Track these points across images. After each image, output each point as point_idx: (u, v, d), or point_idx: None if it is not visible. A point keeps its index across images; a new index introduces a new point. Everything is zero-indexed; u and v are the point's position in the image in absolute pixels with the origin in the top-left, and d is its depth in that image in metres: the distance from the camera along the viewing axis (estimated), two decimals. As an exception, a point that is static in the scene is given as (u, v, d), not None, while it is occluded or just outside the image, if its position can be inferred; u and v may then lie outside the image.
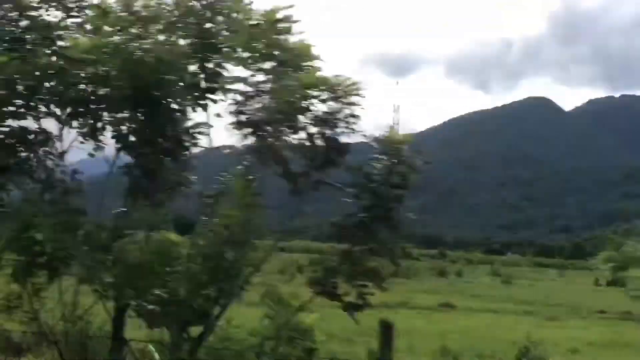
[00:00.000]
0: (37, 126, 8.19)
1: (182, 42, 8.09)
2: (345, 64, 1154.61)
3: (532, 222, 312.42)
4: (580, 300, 55.00)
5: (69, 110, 8.18)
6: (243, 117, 7.99)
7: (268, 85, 7.95)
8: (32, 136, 8.16)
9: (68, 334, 8.42)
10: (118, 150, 8.17)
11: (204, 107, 8.22)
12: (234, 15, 8.01)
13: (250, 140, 8.01)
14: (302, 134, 7.93)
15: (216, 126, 8.26)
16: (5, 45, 7.78)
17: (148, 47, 7.79)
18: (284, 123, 7.84)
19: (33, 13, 8.01)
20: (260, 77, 8.02)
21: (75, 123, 8.22)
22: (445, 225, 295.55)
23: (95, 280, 7.64)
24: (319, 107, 7.82)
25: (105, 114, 8.16)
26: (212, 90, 8.16)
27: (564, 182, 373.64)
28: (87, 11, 8.19)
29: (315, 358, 8.60)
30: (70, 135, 8.27)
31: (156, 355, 8.51)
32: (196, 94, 8.14)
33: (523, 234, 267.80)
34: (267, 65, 8.00)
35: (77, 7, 8.20)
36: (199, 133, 8.30)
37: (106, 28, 8.05)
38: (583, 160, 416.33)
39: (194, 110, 8.25)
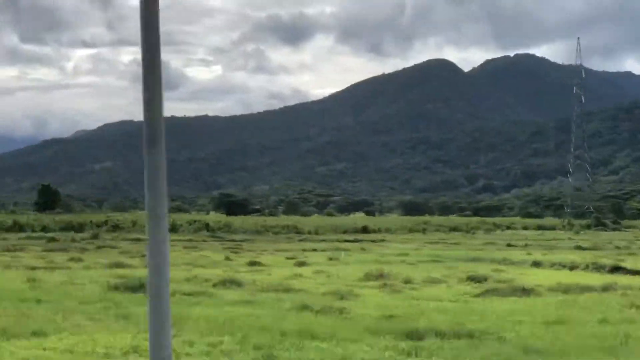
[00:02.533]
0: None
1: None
2: (238, 29, 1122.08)
3: (451, 184, 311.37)
4: None
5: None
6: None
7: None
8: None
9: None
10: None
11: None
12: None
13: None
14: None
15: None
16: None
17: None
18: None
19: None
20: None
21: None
22: (369, 191, 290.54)
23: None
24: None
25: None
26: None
27: (474, 142, 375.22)
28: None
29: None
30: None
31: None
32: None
33: (449, 195, 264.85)
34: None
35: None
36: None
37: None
38: (487, 120, 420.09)
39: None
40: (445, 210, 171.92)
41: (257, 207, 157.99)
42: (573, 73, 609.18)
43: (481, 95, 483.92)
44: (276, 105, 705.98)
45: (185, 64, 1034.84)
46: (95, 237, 62.07)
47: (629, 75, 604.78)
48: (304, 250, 50.63)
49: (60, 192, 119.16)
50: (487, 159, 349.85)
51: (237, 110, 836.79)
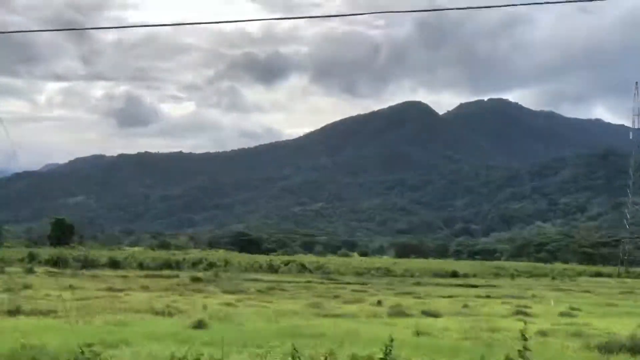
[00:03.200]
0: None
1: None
2: (213, 66, 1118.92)
3: (429, 226, 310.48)
4: None
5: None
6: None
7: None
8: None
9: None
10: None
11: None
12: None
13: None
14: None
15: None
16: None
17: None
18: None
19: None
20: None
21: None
22: (346, 232, 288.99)
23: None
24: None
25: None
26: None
27: (450, 185, 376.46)
28: None
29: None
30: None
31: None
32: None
33: (428, 237, 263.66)
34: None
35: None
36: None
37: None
38: (463, 164, 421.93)
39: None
40: (441, 253, 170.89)
41: (272, 246, 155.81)
42: (545, 118, 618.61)
43: (456, 139, 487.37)
44: (249, 143, 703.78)
45: (160, 100, 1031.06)
46: (217, 276, 62.78)
47: (599, 122, 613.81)
48: (467, 296, 47.35)
49: (74, 226, 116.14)
50: (463, 202, 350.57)
51: (210, 148, 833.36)
